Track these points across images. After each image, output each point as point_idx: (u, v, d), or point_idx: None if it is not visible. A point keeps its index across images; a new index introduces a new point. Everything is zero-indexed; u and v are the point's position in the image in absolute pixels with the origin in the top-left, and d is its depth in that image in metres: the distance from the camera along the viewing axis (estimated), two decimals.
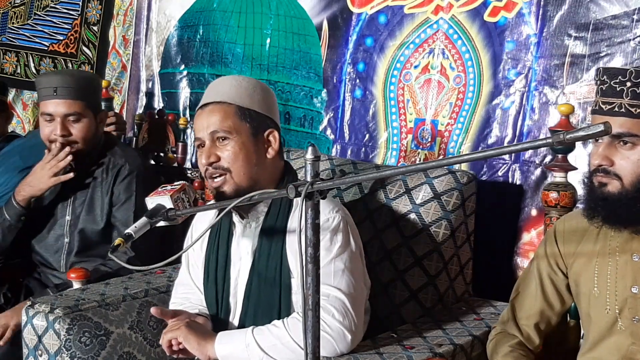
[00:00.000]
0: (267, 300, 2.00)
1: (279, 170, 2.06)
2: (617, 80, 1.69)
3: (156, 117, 3.39)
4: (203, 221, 2.15)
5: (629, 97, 1.68)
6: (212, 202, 2.14)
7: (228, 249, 2.09)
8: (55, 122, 2.65)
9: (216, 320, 2.10)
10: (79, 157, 2.70)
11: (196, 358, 2.03)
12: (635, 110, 1.67)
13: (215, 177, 1.99)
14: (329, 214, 1.95)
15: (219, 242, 2.11)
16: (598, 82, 1.75)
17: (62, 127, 2.64)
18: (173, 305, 2.22)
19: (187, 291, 2.22)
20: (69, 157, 2.65)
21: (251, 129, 1.99)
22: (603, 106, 1.71)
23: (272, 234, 2.00)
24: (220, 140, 1.98)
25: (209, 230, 2.10)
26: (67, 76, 2.68)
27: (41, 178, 2.68)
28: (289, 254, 1.97)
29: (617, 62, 2.37)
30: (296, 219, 1.96)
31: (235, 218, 2.06)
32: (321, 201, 1.95)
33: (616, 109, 1.69)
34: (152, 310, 2.03)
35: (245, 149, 1.98)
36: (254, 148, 1.99)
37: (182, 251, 1.79)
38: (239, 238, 2.07)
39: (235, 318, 2.07)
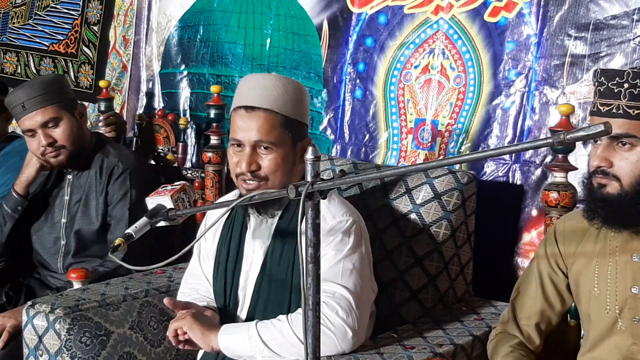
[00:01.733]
0: (277, 299, 2.00)
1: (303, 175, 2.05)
2: (615, 82, 1.69)
3: (156, 116, 3.40)
4: (217, 214, 2.15)
5: (626, 99, 1.68)
6: (217, 201, 2.14)
7: (241, 242, 2.09)
8: (38, 135, 2.65)
9: (224, 313, 2.10)
10: (72, 157, 2.70)
11: (202, 354, 2.02)
12: (633, 112, 1.67)
13: (250, 181, 1.98)
14: (342, 217, 1.97)
15: (232, 234, 2.11)
16: (596, 83, 1.75)
17: (45, 137, 2.64)
18: (181, 295, 2.23)
19: (196, 282, 2.22)
20: None
21: (292, 138, 1.99)
22: (601, 107, 1.71)
23: (286, 234, 2.01)
24: (263, 148, 1.97)
25: (222, 223, 2.11)
26: (28, 88, 2.65)
27: (30, 159, 2.72)
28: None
29: (618, 62, 2.37)
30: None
31: (252, 213, 2.06)
32: (335, 203, 1.99)
33: (614, 110, 1.69)
34: (165, 300, 2.02)
35: (287, 160, 1.98)
36: (292, 158, 2.00)
37: (182, 251, 1.77)
38: (253, 233, 2.08)
39: (243, 312, 2.07)
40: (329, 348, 1.84)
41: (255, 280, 2.04)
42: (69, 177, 2.79)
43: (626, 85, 1.68)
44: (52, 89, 2.67)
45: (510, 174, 2.58)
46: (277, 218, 2.03)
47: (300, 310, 1.90)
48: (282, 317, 1.92)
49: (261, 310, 2.01)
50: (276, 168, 1.97)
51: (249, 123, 1.96)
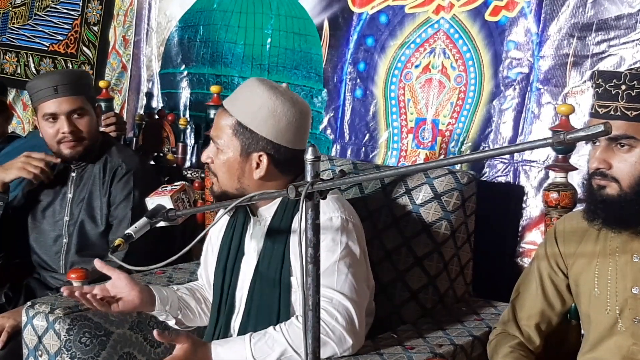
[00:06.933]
0: (268, 302, 1.99)
1: (279, 186, 1.98)
2: (612, 84, 1.69)
3: (156, 117, 3.39)
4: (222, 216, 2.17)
5: (624, 100, 1.68)
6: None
7: (241, 242, 2.10)
8: (61, 121, 2.66)
9: (219, 315, 2.09)
10: (86, 151, 2.72)
11: None
12: (631, 113, 1.67)
13: (211, 175, 2.04)
14: (333, 213, 1.95)
15: (234, 234, 2.12)
16: (594, 85, 1.75)
17: (70, 124, 2.66)
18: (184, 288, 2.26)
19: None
20: (42, 163, 2.69)
21: (241, 147, 1.97)
22: (599, 109, 1.71)
23: (277, 235, 2.00)
24: (217, 147, 2.01)
25: (226, 222, 2.14)
26: (64, 74, 2.72)
27: (13, 164, 2.72)
28: (292, 255, 1.97)
29: (619, 62, 2.36)
30: (298, 220, 1.96)
31: (250, 214, 2.09)
32: (327, 201, 1.97)
33: (612, 112, 1.69)
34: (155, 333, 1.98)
35: (228, 164, 1.99)
36: (240, 166, 1.98)
37: (182, 251, 1.77)
38: (251, 234, 2.09)
39: (238, 316, 2.07)
40: (329, 355, 1.84)
41: (249, 283, 2.04)
42: (73, 174, 2.78)
43: (624, 87, 1.68)
44: (84, 81, 2.75)
45: (510, 174, 2.57)
46: (269, 220, 2.03)
47: (294, 320, 1.89)
48: (277, 327, 1.88)
49: (254, 315, 2.00)
50: (219, 168, 2.00)
51: (216, 117, 2.05)
